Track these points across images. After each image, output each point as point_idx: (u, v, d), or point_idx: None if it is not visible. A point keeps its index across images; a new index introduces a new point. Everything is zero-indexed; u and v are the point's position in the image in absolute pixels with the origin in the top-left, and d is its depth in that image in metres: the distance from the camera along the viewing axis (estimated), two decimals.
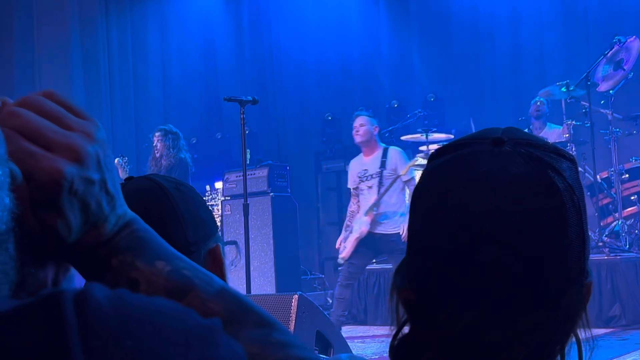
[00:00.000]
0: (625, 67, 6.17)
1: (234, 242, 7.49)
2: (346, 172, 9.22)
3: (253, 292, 5.64)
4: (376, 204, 5.68)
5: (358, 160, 5.98)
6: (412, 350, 0.79)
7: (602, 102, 6.37)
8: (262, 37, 10.33)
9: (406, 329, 0.83)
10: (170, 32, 10.82)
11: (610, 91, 6.30)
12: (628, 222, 6.17)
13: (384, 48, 9.25)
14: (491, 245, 0.73)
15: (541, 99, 6.81)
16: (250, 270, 4.84)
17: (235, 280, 7.35)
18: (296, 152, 9.34)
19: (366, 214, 5.72)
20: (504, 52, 8.37)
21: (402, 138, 6.74)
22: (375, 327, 6.43)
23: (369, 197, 5.78)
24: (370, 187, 5.81)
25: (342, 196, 9.31)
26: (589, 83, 6.13)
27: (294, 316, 2.97)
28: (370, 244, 5.74)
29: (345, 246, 5.77)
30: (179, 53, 10.73)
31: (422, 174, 0.82)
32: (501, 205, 0.73)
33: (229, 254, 7.57)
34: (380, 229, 5.71)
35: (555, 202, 0.74)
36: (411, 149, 7.26)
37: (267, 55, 10.24)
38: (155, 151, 6.84)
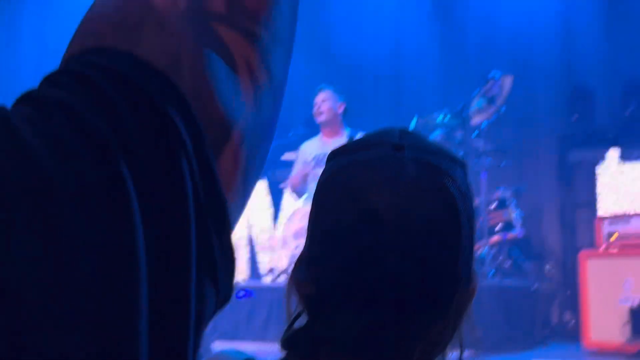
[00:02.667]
0: (497, 102, 6.49)
1: None
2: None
3: None
4: None
5: (315, 141, 5.16)
6: (308, 344, 0.80)
7: (476, 133, 6.66)
8: None
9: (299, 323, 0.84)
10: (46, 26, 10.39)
11: (483, 124, 6.60)
12: (493, 250, 6.46)
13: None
14: (394, 249, 0.76)
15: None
16: None
17: None
18: None
19: None
20: (384, 78, 8.59)
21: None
22: (245, 343, 6.37)
23: None
24: None
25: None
26: (464, 115, 6.40)
27: None
28: None
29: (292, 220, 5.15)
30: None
31: (324, 171, 0.84)
32: (402, 211, 0.77)
33: None
34: None
35: (451, 209, 0.78)
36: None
37: None
38: None
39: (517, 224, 6.52)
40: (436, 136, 7.05)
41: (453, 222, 0.78)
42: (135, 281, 0.38)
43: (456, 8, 8.45)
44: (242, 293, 5.03)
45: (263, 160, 0.52)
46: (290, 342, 0.83)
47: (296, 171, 5.03)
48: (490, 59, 7.70)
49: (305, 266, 0.82)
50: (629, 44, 7.38)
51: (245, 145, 0.48)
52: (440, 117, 6.55)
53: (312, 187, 4.76)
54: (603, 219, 5.78)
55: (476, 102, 6.62)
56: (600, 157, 7.18)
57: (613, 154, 7.16)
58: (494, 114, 6.59)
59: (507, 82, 6.49)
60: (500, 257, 6.52)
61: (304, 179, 5.03)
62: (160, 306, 0.40)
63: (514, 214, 6.54)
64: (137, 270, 0.38)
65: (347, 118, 6.03)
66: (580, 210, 7.38)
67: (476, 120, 6.62)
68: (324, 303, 0.79)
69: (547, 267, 6.87)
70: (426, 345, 0.79)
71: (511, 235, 6.48)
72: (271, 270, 7.24)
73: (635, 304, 5.24)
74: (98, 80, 0.41)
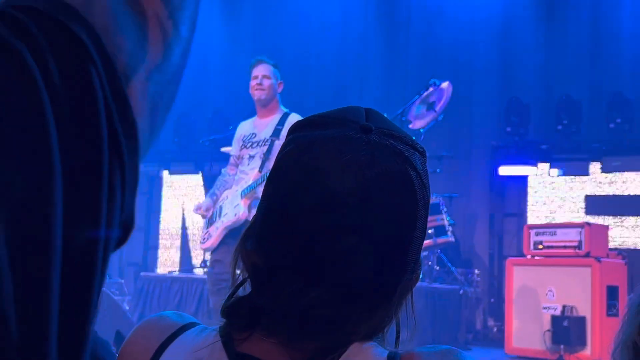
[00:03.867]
0: (436, 109, 6.57)
1: None
2: (159, 178, 9.06)
3: None
4: (258, 183, 4.36)
5: (249, 121, 4.64)
6: (250, 313, 0.79)
7: (413, 138, 6.74)
8: None
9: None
10: None
11: (421, 130, 6.68)
12: (423, 254, 6.55)
13: (217, 57, 9.15)
14: (350, 232, 0.76)
15: None
16: None
17: None
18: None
19: (244, 195, 4.40)
20: (329, 83, 8.62)
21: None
22: None
23: (247, 168, 4.49)
24: (252, 157, 4.48)
25: (151, 202, 9.08)
26: (403, 119, 6.47)
27: None
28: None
29: (211, 235, 4.53)
30: None
31: (287, 143, 0.83)
32: (364, 195, 0.76)
33: None
34: None
35: (411, 199, 0.79)
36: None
37: None
38: None
39: (448, 229, 6.63)
40: None
41: (411, 212, 0.78)
42: (49, 169, 0.44)
43: (399, 15, 8.55)
44: None
45: (171, 101, 0.59)
46: (232, 310, 0.82)
47: (232, 151, 4.65)
48: (430, 67, 7.83)
49: (256, 238, 0.81)
50: (565, 61, 7.62)
51: (151, 83, 0.55)
52: None
53: (238, 176, 4.46)
54: (531, 228, 5.94)
55: (416, 108, 6.70)
56: (532, 169, 7.40)
57: (544, 166, 7.38)
58: (433, 121, 6.68)
59: (448, 89, 6.59)
60: (430, 261, 6.62)
61: (237, 161, 4.60)
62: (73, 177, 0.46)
63: (445, 219, 6.65)
64: (51, 160, 0.44)
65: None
66: (509, 220, 7.57)
67: (415, 125, 6.71)
68: (271, 275, 0.79)
69: (475, 272, 7.02)
70: (368, 327, 0.79)
71: (442, 240, 6.59)
72: (204, 262, 7.18)
73: (557, 312, 5.40)
74: (17, 14, 0.48)
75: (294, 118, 4.45)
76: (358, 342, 0.78)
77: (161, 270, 8.58)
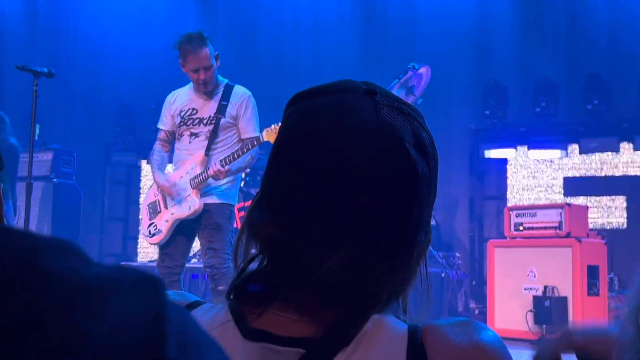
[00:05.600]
0: (416, 94, 6.58)
1: None
2: (137, 167, 8.97)
3: None
4: (204, 174, 3.99)
5: (183, 91, 4.17)
6: (267, 285, 0.77)
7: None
8: (57, 10, 9.66)
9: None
10: None
11: None
12: None
13: None
14: (365, 192, 0.75)
15: None
16: None
17: None
18: (85, 139, 8.84)
19: (194, 186, 4.05)
20: (306, 68, 8.58)
21: None
22: None
23: (191, 151, 4.09)
24: (195, 135, 4.08)
25: (130, 191, 9.00)
26: None
27: None
28: (192, 220, 4.10)
29: (160, 229, 4.13)
30: None
31: (289, 113, 0.81)
32: (378, 155, 0.75)
33: None
34: (210, 199, 4.09)
35: (425, 155, 0.79)
36: None
37: (62, 31, 9.59)
38: None
39: None
40: None
41: (427, 170, 0.78)
42: None
43: (374, 0, 8.53)
44: None
45: None
46: (243, 288, 0.80)
47: (163, 125, 4.17)
48: (408, 50, 7.82)
49: (268, 209, 0.79)
50: (541, 42, 7.64)
51: None
52: None
53: (180, 155, 4.09)
54: (511, 210, 5.97)
55: (395, 92, 6.70)
56: (510, 152, 7.43)
57: (522, 148, 7.42)
58: (412, 105, 6.68)
59: (426, 72, 6.59)
60: None
61: (170, 137, 4.19)
62: None
63: None
64: None
65: (264, 101, 5.92)
66: (489, 203, 7.61)
67: None
68: (287, 244, 0.77)
69: (456, 255, 7.05)
70: (389, 291, 0.78)
71: None
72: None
73: (539, 292, 5.45)
74: None
75: (240, 91, 4.14)
76: (377, 313, 0.77)
77: (141, 260, 8.53)
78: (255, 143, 3.97)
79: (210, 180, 4.05)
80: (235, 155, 3.97)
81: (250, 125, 4.09)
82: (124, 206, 8.91)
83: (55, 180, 6.89)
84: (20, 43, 9.53)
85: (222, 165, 3.94)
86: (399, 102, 0.80)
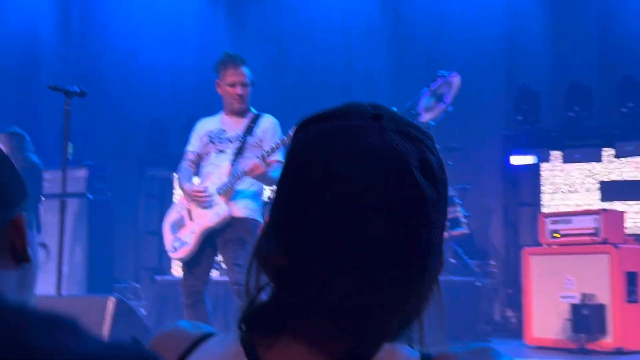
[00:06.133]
0: (446, 101, 6.53)
1: (43, 245, 7.05)
2: (170, 181, 9.04)
3: None
4: (234, 180, 4.05)
5: (213, 118, 4.30)
6: (274, 317, 0.77)
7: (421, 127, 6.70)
8: (91, 29, 9.84)
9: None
10: None
11: (431, 122, 6.64)
12: None
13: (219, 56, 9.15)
14: (371, 220, 0.74)
15: None
16: (61, 276, 4.53)
17: (42, 286, 6.90)
18: (119, 155, 8.96)
19: (221, 192, 4.09)
20: (336, 77, 8.60)
21: None
22: None
23: (217, 161, 4.16)
24: (221, 151, 4.16)
25: (164, 205, 9.06)
26: (412, 112, 6.43)
27: (109, 319, 2.80)
28: (215, 236, 4.12)
29: (185, 241, 4.14)
30: None
31: (297, 139, 0.81)
32: (385, 179, 0.74)
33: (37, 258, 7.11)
34: (234, 213, 4.09)
35: (434, 180, 0.77)
36: None
37: (96, 49, 9.76)
38: None
39: (462, 221, 6.59)
40: None
41: (435, 193, 0.77)
42: None
43: (406, 7, 8.51)
44: None
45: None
46: (255, 316, 0.79)
47: (192, 147, 4.28)
48: (438, 58, 7.78)
49: (277, 238, 0.78)
50: (573, 47, 7.55)
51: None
52: None
53: (206, 169, 4.16)
54: (546, 217, 5.89)
55: (425, 100, 6.66)
56: (544, 158, 7.34)
57: (556, 154, 7.32)
58: (442, 113, 6.64)
59: (456, 80, 6.55)
60: (445, 254, 6.59)
61: (197, 159, 4.26)
62: None
63: (459, 211, 6.61)
64: None
65: (294, 112, 5.91)
66: (523, 209, 7.52)
67: (424, 118, 6.66)
68: (296, 273, 0.76)
69: (491, 264, 6.97)
70: (401, 318, 0.77)
71: (456, 232, 6.55)
72: (217, 264, 7.16)
73: (577, 300, 5.35)
74: None
75: (268, 118, 4.24)
76: (389, 342, 0.76)
77: (177, 273, 8.58)
78: (281, 144, 4.00)
79: (237, 187, 4.07)
80: (270, 151, 3.98)
81: (278, 150, 4.09)
82: (158, 220, 8.94)
83: (89, 196, 6.98)
84: (54, 61, 9.71)
85: (261, 160, 3.94)
86: (407, 125, 0.79)
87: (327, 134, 0.78)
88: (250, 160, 4.00)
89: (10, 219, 0.93)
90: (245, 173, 3.97)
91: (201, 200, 4.11)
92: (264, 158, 3.97)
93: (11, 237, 0.93)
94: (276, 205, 0.80)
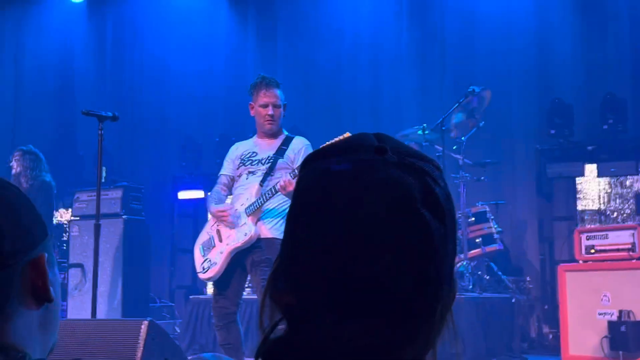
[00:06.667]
0: (477, 116, 6.51)
1: (80, 265, 7.16)
2: (203, 200, 9.12)
3: (99, 318, 5.36)
4: (263, 200, 4.07)
5: (246, 142, 4.38)
6: (288, 354, 0.77)
7: (455, 147, 6.68)
8: (124, 52, 10.02)
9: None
10: (25, 40, 10.31)
11: (462, 138, 6.62)
12: (472, 264, 6.46)
13: (250, 76, 9.23)
14: (378, 256, 0.74)
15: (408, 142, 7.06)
16: (97, 295, 4.60)
17: (79, 306, 7.00)
18: (153, 175, 9.08)
19: (249, 213, 4.12)
20: (363, 93, 8.60)
21: None
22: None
23: (247, 186, 4.20)
24: (252, 173, 4.22)
25: (198, 224, 9.14)
26: (443, 128, 6.41)
27: (142, 343, 2.84)
28: (244, 256, 4.13)
29: (214, 261, 4.17)
30: (33, 62, 10.22)
31: (303, 176, 0.82)
32: (390, 215, 0.74)
33: (74, 278, 7.21)
34: (262, 233, 4.12)
35: (439, 213, 0.77)
36: None
37: (128, 72, 9.94)
38: (13, 172, 6.38)
39: (496, 237, 6.53)
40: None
41: (441, 226, 0.77)
42: None
43: (434, 23, 8.49)
44: None
45: None
46: (268, 354, 0.81)
47: (224, 171, 4.34)
48: (468, 73, 7.75)
49: (286, 277, 0.80)
50: (606, 58, 7.46)
51: None
52: (420, 130, 6.56)
53: (237, 191, 4.21)
54: (581, 232, 5.80)
55: (455, 116, 6.64)
56: (579, 171, 7.24)
57: (591, 167, 7.21)
58: (473, 128, 6.61)
59: (487, 95, 6.52)
60: (480, 271, 6.53)
61: (230, 182, 4.31)
62: None
63: (493, 227, 6.55)
64: None
65: (323, 131, 5.89)
66: (558, 224, 7.42)
67: (455, 133, 6.64)
68: (305, 312, 0.77)
69: (526, 280, 6.89)
70: (415, 350, 0.77)
71: (490, 248, 6.49)
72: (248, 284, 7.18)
73: (614, 317, 5.26)
74: None
75: (299, 140, 4.28)
76: None
77: (210, 292, 8.63)
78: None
79: (265, 206, 4.08)
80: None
81: None
82: (192, 238, 9.02)
83: (124, 217, 7.07)
84: (89, 84, 9.90)
85: (293, 177, 3.94)
86: (411, 156, 0.80)
87: (331, 171, 0.78)
88: (281, 178, 4.00)
89: (30, 260, 0.95)
90: (278, 190, 3.98)
91: (225, 218, 4.14)
92: (294, 174, 3.97)
93: (33, 277, 0.94)
94: (284, 243, 0.81)
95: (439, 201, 0.78)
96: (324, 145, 0.85)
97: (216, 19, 9.57)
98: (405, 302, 0.75)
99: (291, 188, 3.92)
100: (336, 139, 0.87)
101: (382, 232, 0.74)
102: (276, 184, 4.00)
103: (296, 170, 3.98)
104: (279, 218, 4.15)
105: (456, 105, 6.50)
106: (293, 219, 0.80)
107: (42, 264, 0.96)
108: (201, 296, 7.12)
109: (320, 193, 0.77)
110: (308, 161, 0.83)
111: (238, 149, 4.34)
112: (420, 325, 0.77)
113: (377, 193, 0.75)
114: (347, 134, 4.06)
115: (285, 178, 3.97)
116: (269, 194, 4.04)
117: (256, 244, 4.07)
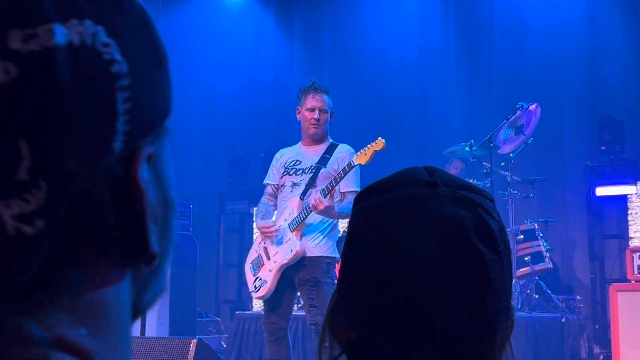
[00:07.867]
0: (525, 132, 6.43)
1: None
2: (250, 215, 9.19)
3: (147, 333, 5.42)
4: (305, 215, 4.00)
5: (290, 148, 4.33)
6: None
7: (503, 164, 6.61)
8: (172, 71, 10.14)
9: None
10: None
11: (511, 154, 6.54)
12: (521, 282, 6.37)
13: (296, 91, 9.28)
14: (438, 288, 0.75)
15: (455, 159, 7.01)
16: (145, 316, 4.65)
17: None
18: (200, 191, 9.17)
19: (293, 228, 4.07)
20: (410, 108, 8.57)
21: None
22: None
23: (290, 198, 4.15)
24: (296, 184, 4.15)
25: (244, 238, 9.22)
26: (491, 145, 6.35)
27: None
28: (292, 272, 4.08)
29: (265, 280, 4.13)
30: None
31: (354, 214, 0.83)
32: (444, 249, 0.75)
33: None
34: (311, 251, 4.05)
35: (493, 244, 0.78)
36: None
37: (177, 91, 10.01)
38: None
39: (546, 255, 6.43)
40: (462, 166, 7.02)
41: (496, 257, 0.77)
42: None
43: (482, 38, 8.43)
44: None
45: None
46: None
47: (269, 180, 4.33)
48: (517, 89, 7.67)
49: (345, 312, 0.81)
50: None
51: None
52: (467, 147, 6.51)
53: (281, 204, 4.17)
54: (633, 251, 5.67)
55: (504, 132, 6.57)
56: (631, 188, 7.09)
57: None
58: (522, 144, 6.53)
59: (535, 110, 6.44)
60: (528, 289, 6.43)
61: (276, 191, 4.27)
62: None
63: (542, 245, 6.45)
64: None
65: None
66: (609, 242, 7.27)
67: (504, 150, 6.57)
68: (366, 346, 0.78)
69: (577, 299, 6.75)
70: None
71: (540, 267, 6.39)
72: (296, 299, 7.19)
73: None
74: None
75: (343, 148, 4.21)
76: None
77: (257, 306, 8.67)
78: (348, 169, 3.96)
79: (309, 220, 4.04)
80: (334, 183, 3.94)
81: (352, 179, 4.06)
82: (238, 253, 9.12)
83: None
84: None
85: (324, 195, 3.89)
86: (463, 189, 0.80)
87: (383, 206, 0.79)
88: (312, 196, 3.94)
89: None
90: (311, 209, 3.94)
91: (270, 235, 4.14)
92: (327, 192, 3.90)
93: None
94: (341, 277, 0.82)
95: (493, 232, 0.78)
96: (375, 182, 0.85)
97: (262, 34, 9.67)
98: (464, 333, 0.76)
99: (322, 207, 3.85)
100: (388, 176, 0.89)
101: (438, 266, 0.75)
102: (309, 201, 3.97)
103: (330, 187, 3.93)
104: (323, 235, 4.11)
105: (504, 121, 6.44)
106: (348, 254, 0.82)
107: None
108: (247, 312, 7.16)
109: (374, 229, 0.79)
110: (359, 198, 0.84)
111: (282, 156, 4.30)
112: (481, 355, 0.78)
113: (431, 227, 0.76)
114: (380, 139, 4.11)
115: (314, 196, 3.90)
116: (308, 210, 3.98)
117: (302, 262, 4.04)
